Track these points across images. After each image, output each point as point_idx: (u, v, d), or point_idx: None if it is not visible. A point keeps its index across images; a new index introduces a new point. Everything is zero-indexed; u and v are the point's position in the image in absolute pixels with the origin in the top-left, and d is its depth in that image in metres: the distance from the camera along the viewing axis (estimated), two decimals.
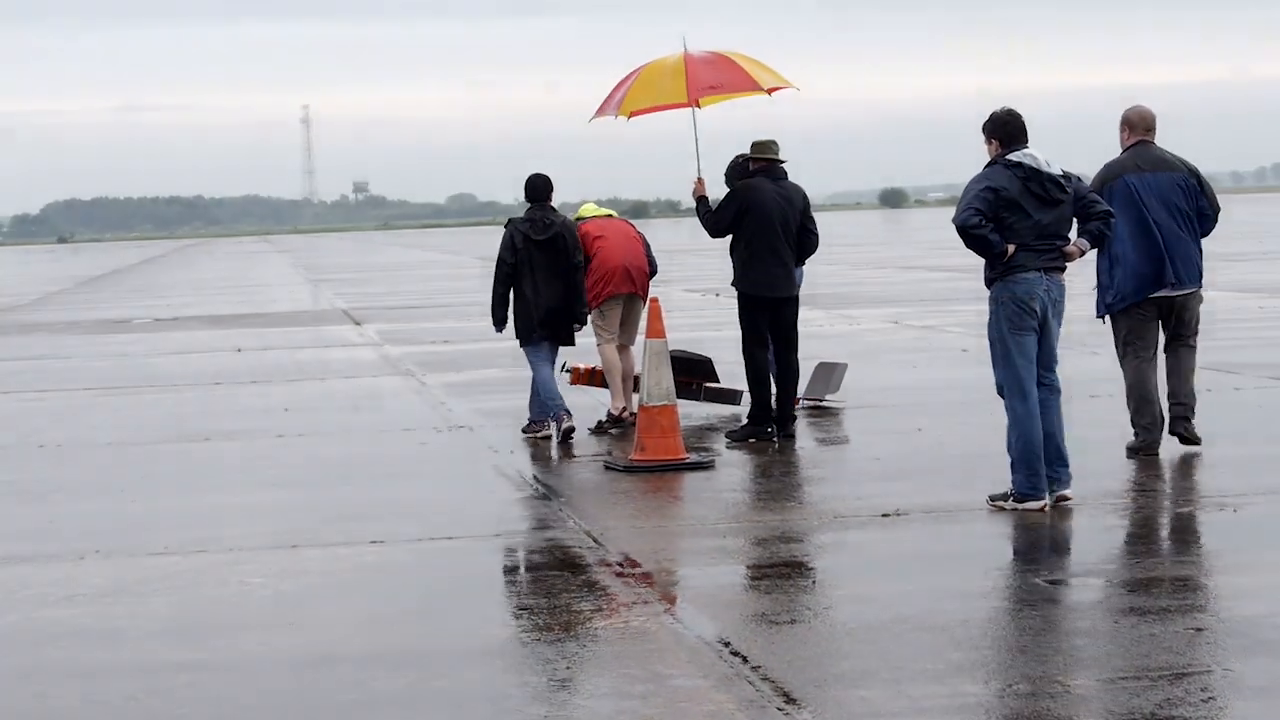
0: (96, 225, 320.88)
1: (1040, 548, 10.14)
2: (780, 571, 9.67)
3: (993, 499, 11.06)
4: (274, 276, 62.66)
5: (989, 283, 11.03)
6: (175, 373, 23.20)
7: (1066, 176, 10.98)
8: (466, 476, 13.53)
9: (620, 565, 9.93)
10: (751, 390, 14.53)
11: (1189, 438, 12.67)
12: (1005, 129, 10.97)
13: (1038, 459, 10.86)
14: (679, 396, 13.93)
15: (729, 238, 14.55)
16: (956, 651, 7.71)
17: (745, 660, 7.74)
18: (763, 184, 14.42)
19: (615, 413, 15.43)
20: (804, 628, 8.34)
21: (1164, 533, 10.25)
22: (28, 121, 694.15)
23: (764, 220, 14.31)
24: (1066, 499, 11.00)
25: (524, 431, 15.19)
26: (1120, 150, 12.86)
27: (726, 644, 8.04)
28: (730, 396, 16.36)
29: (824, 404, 16.24)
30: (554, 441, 14.62)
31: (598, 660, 7.89)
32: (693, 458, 13.24)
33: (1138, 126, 12.83)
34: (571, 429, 14.67)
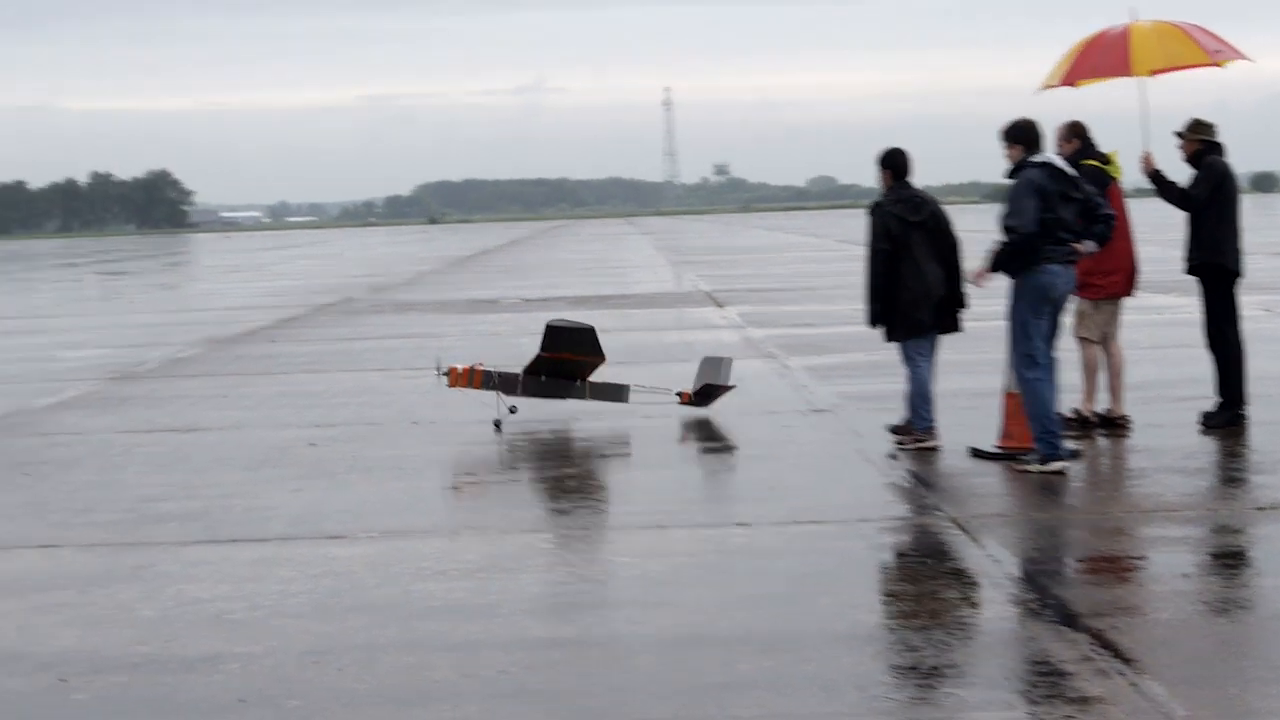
0: (465, 206, 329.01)
1: None
2: (1150, 572, 9.41)
3: None
4: (637, 258, 63.33)
5: None
6: None
7: None
8: (830, 460, 13.48)
9: (988, 554, 9.79)
10: (1221, 372, 14.41)
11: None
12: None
13: None
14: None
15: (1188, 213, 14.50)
16: None
17: (1124, 658, 7.56)
18: (1224, 160, 14.62)
19: (1086, 413, 14.41)
20: (1180, 622, 8.11)
21: None
22: (401, 105, 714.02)
23: (1234, 195, 14.54)
24: None
25: (893, 433, 14.03)
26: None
27: (1104, 644, 7.86)
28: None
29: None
30: (925, 447, 13.55)
31: (967, 650, 7.78)
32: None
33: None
34: (935, 447, 13.54)
